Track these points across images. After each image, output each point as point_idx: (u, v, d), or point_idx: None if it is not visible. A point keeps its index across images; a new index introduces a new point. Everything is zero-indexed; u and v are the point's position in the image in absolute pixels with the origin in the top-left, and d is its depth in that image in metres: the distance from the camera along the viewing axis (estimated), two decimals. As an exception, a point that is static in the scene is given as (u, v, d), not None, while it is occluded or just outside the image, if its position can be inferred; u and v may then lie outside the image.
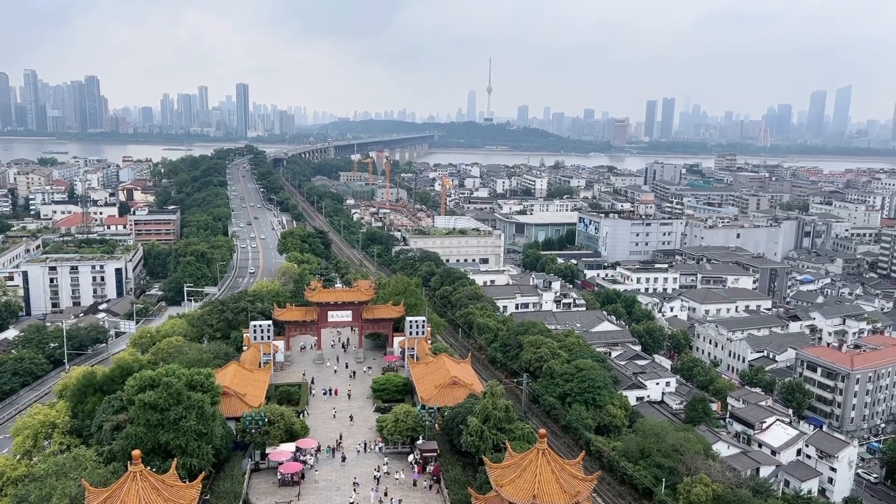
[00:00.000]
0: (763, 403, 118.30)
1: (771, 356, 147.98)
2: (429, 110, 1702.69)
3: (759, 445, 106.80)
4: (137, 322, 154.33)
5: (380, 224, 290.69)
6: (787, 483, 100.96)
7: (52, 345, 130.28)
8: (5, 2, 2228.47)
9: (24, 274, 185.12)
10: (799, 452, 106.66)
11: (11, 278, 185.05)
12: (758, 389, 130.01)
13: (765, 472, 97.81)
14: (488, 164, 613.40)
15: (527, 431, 69.79)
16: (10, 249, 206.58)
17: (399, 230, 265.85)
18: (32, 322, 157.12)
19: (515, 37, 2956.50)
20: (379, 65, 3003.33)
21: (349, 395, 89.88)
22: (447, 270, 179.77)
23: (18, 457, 77.39)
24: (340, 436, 75.51)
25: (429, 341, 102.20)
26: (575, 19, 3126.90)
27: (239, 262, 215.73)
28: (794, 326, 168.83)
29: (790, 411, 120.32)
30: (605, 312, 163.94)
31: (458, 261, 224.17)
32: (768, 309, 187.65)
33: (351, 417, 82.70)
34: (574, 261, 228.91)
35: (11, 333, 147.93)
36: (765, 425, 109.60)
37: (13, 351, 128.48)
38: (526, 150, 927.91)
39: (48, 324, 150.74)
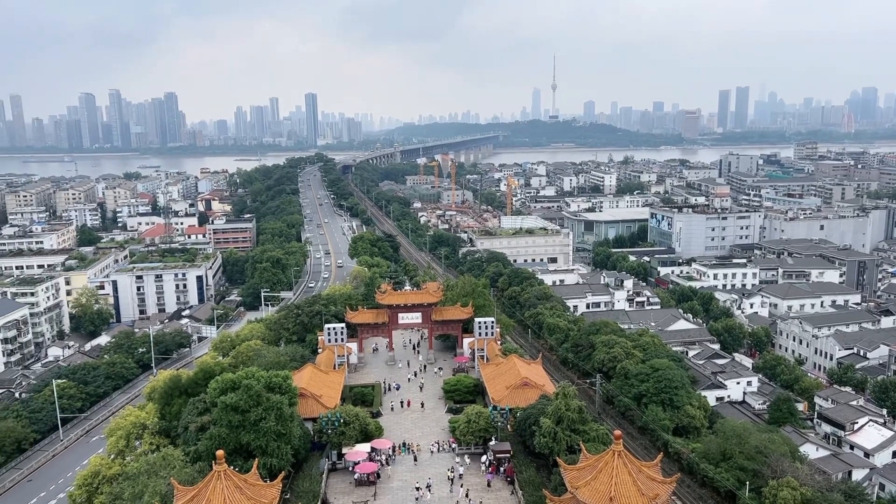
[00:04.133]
0: (854, 403, 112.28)
1: (861, 353, 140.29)
2: (493, 111, 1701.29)
3: (851, 447, 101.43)
4: (218, 327, 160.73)
5: (446, 226, 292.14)
6: (882, 487, 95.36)
7: (140, 350, 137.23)
8: (91, 26, 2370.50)
9: (114, 283, 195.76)
10: (895, 454, 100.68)
11: (102, 287, 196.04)
12: (848, 388, 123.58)
13: (857, 475, 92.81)
14: (554, 162, 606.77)
15: (601, 433, 68.54)
16: (101, 260, 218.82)
17: (465, 231, 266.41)
18: (122, 328, 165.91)
19: (580, 34, 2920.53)
20: (443, 68, 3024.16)
21: (421, 388, 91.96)
22: (515, 271, 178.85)
23: (113, 456, 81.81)
24: (417, 445, 75.33)
25: (498, 342, 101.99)
26: (641, 12, 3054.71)
27: (312, 268, 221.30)
28: (887, 321, 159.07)
29: (884, 411, 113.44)
30: (680, 310, 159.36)
31: (525, 261, 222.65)
32: (857, 303, 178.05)
33: (422, 404, 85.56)
34: (647, 258, 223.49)
35: (104, 340, 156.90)
36: (856, 426, 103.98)
37: (106, 356, 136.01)
38: (593, 147, 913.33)
39: (136, 330, 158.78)
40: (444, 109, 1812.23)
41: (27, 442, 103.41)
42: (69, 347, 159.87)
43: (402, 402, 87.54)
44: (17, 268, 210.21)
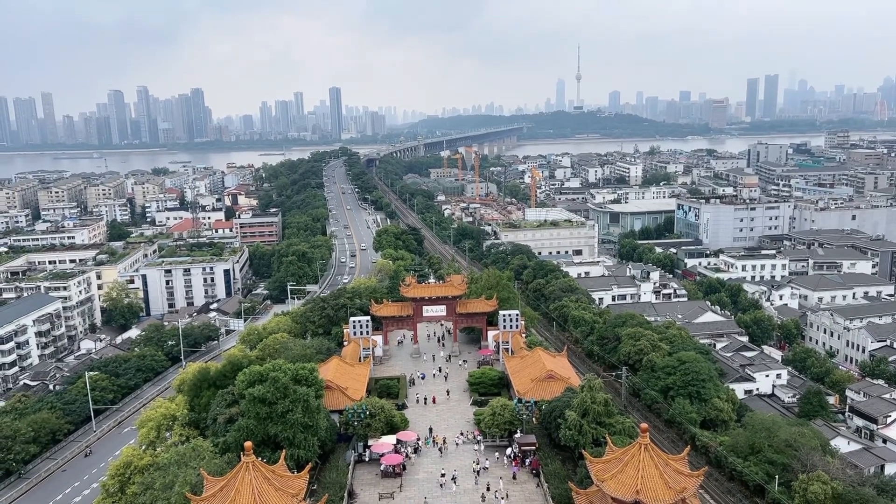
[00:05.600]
0: (887, 396, 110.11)
1: (895, 345, 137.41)
2: (517, 102, 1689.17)
3: (884, 441, 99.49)
4: (245, 320, 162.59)
5: (470, 219, 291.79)
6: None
7: (169, 343, 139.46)
8: (119, 24, 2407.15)
9: (144, 277, 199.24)
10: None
11: (132, 281, 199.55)
12: (881, 381, 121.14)
13: (890, 469, 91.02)
14: (579, 153, 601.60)
15: (627, 426, 68.18)
16: (131, 255, 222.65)
17: (490, 224, 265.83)
18: (152, 322, 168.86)
19: (605, 24, 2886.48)
20: (466, 60, 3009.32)
21: (446, 380, 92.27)
22: (539, 263, 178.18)
23: (144, 447, 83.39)
24: (443, 438, 75.30)
25: (523, 335, 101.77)
26: (668, 1, 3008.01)
27: (337, 261, 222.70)
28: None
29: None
30: (708, 302, 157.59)
31: (550, 253, 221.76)
32: (890, 295, 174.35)
33: (447, 393, 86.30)
34: (673, 249, 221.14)
35: (134, 333, 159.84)
36: (889, 420, 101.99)
37: (136, 349, 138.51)
38: (618, 137, 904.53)
39: (166, 323, 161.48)
40: (467, 102, 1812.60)
41: (61, 433, 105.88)
42: (101, 340, 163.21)
43: (425, 399, 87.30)
44: (50, 262, 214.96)
